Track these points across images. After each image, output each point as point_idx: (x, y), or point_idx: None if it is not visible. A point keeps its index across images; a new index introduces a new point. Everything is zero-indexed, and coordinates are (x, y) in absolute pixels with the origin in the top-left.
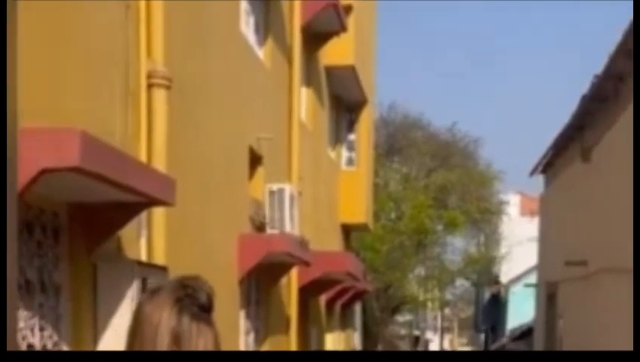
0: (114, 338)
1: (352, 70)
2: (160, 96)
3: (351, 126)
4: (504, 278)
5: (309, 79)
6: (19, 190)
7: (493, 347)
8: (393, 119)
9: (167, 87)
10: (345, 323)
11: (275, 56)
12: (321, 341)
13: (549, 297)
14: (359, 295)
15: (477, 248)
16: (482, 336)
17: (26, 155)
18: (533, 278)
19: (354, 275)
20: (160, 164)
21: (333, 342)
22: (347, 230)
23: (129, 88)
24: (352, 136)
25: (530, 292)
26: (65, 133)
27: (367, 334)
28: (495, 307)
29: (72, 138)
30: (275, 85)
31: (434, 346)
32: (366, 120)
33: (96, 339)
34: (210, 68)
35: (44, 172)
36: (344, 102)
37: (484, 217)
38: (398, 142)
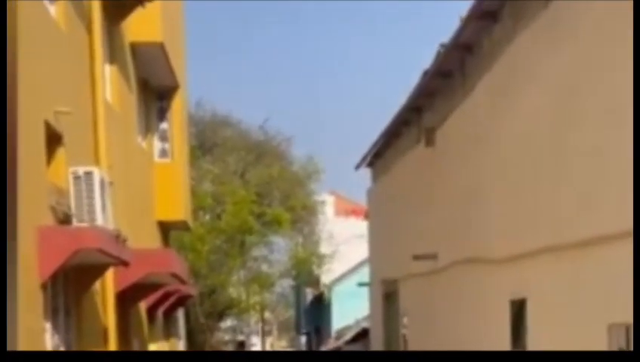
0: None
1: (160, 48)
2: None
3: (162, 114)
4: (324, 279)
5: (113, 55)
6: None
7: (323, 349)
8: (202, 117)
9: None
10: (168, 332)
11: (71, 18)
12: None
13: (386, 296)
14: (183, 300)
15: (296, 248)
16: (303, 339)
17: None
18: (355, 278)
19: (179, 277)
20: None
21: None
22: (165, 228)
23: None
24: (164, 125)
25: (354, 293)
26: None
27: (191, 342)
28: (318, 308)
29: None
30: (72, 54)
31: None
32: (178, 108)
33: None
34: None
35: None
36: (153, 87)
37: (304, 216)
38: (208, 140)
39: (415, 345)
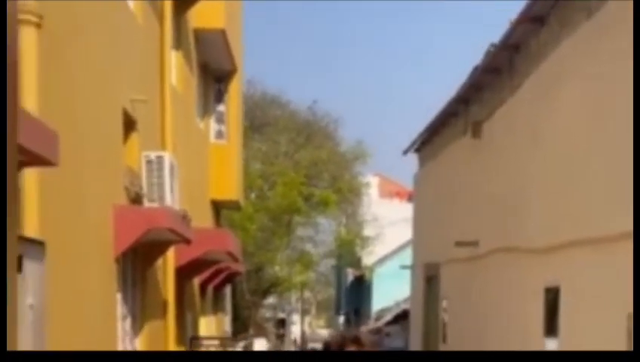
0: None
1: (222, 34)
2: (30, 34)
3: (220, 97)
4: (366, 260)
5: (179, 42)
6: None
7: (363, 329)
8: (251, 95)
9: (38, 25)
10: (217, 307)
11: (146, 10)
12: (195, 326)
13: (427, 279)
14: (232, 276)
15: (338, 229)
16: (341, 319)
17: None
18: (397, 260)
19: (234, 255)
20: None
21: (206, 326)
22: (217, 207)
23: None
24: (221, 108)
25: (395, 274)
26: None
27: (237, 318)
28: (358, 289)
29: None
30: (145, 43)
31: (296, 329)
32: (235, 91)
33: None
34: (80, 9)
35: None
36: (212, 71)
37: (350, 198)
38: (257, 119)
39: (454, 328)
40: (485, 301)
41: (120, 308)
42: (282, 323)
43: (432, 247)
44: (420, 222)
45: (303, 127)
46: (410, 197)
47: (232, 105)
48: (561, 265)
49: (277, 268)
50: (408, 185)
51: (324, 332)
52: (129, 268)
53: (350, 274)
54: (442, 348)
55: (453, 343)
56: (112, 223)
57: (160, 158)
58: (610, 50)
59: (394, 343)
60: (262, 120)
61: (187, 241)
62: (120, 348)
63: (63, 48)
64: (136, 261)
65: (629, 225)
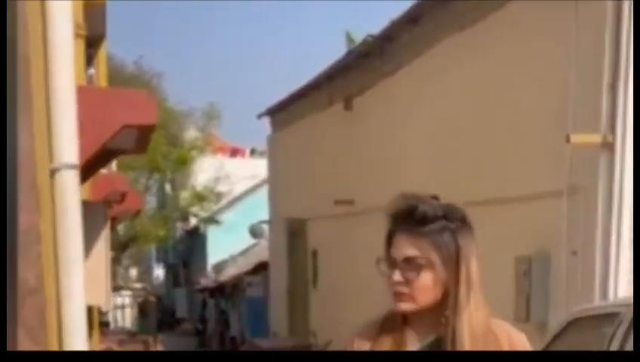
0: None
1: (102, 6)
2: None
3: (90, 61)
4: (197, 215)
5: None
6: (102, 142)
7: (202, 281)
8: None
9: None
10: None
11: None
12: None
13: (291, 233)
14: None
15: (167, 185)
16: (159, 271)
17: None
18: (229, 214)
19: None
20: None
21: None
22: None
23: None
24: (91, 71)
25: (227, 229)
26: (142, 95)
27: None
28: (189, 242)
29: (150, 100)
30: None
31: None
32: (103, 54)
33: None
34: None
35: (124, 127)
36: (86, 37)
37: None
38: None
39: (325, 275)
40: (361, 251)
41: None
42: None
43: (295, 204)
44: (277, 180)
45: (129, 80)
46: (233, 153)
47: (101, 67)
48: None
49: (136, 221)
50: (231, 141)
51: (138, 286)
52: None
53: (179, 228)
54: (313, 293)
55: (324, 288)
56: None
57: None
58: (482, 53)
59: (255, 293)
60: None
61: None
62: None
63: None
64: None
65: (492, 192)
